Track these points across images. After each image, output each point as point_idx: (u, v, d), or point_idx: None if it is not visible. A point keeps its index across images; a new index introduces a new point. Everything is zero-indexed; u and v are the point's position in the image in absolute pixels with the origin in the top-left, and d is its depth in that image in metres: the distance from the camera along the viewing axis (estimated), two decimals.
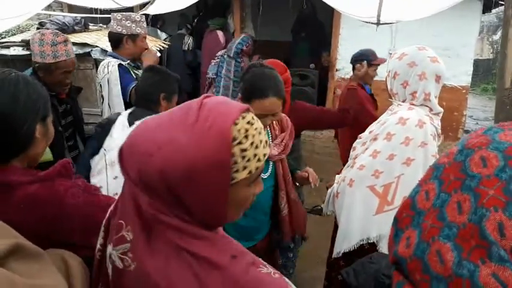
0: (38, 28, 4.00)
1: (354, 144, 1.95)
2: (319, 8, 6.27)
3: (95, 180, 1.79)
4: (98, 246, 0.81)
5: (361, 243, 1.71)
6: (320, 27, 6.65)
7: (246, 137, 0.70)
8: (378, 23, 3.35)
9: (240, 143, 0.69)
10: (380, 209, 1.65)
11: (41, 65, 2.15)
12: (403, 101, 1.75)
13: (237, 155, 0.69)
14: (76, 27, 4.27)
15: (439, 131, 1.74)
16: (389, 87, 1.81)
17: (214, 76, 4.57)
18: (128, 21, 2.51)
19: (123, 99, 2.43)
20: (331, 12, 5.58)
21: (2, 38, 4.83)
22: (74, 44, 4.19)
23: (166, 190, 0.67)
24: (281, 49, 6.70)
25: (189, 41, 5.93)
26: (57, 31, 2.30)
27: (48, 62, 2.14)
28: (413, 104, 1.72)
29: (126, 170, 0.70)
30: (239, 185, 0.72)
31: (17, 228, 0.74)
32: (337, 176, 1.98)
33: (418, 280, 0.50)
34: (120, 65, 2.45)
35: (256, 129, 0.73)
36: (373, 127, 1.87)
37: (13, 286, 0.55)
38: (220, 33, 5.57)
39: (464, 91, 5.82)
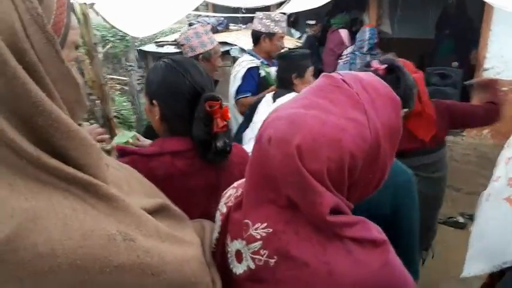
0: (188, 28, 4.47)
1: (505, 145, 1.71)
2: (469, 1, 5.66)
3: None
4: (213, 240, 0.85)
5: (504, 266, 1.48)
6: (468, 24, 6.00)
7: None
8: None
9: None
10: None
11: (204, 54, 2.42)
12: None
13: None
14: (219, 28, 4.64)
15: None
16: None
17: None
18: (268, 20, 2.65)
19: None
20: (481, 6, 4.98)
21: (157, 38, 5.53)
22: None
23: (349, 177, 0.66)
24: (419, 47, 6.24)
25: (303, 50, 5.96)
26: (203, 23, 2.58)
27: (208, 49, 2.42)
28: None
29: (306, 166, 0.64)
30: None
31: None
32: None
33: None
34: (249, 69, 2.60)
35: None
36: None
37: (157, 230, 0.64)
38: (343, 33, 5.45)
39: None
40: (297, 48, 4.58)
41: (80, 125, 0.63)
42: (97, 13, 3.02)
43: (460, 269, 2.56)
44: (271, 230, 0.71)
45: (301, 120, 0.66)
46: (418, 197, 1.60)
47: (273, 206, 0.72)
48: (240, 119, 2.61)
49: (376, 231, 0.69)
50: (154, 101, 1.17)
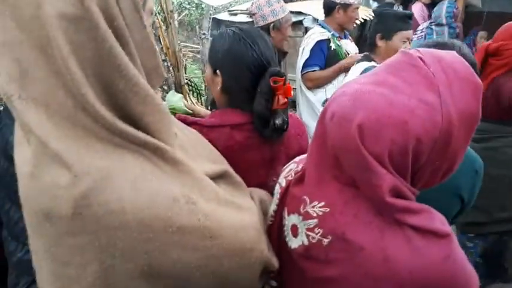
0: None
1: None
2: None
3: None
4: (271, 212, 0.85)
5: None
6: None
7: None
8: None
9: None
10: None
11: (276, 22, 2.40)
12: None
13: None
14: None
15: None
16: None
17: None
18: None
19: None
20: None
21: (232, 6, 5.55)
22: (290, 12, 4.50)
23: (413, 162, 0.63)
24: None
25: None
26: None
27: (280, 17, 2.39)
28: None
29: (367, 146, 0.62)
30: None
31: None
32: None
33: None
34: (319, 42, 2.49)
35: None
36: None
37: (217, 195, 0.67)
38: (422, 5, 5.01)
39: None
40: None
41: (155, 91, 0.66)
42: None
43: None
44: (328, 209, 0.70)
45: (367, 97, 0.63)
46: None
47: (335, 183, 0.71)
48: (307, 93, 2.57)
49: (439, 222, 0.66)
50: (217, 71, 1.16)
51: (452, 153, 0.64)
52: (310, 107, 2.57)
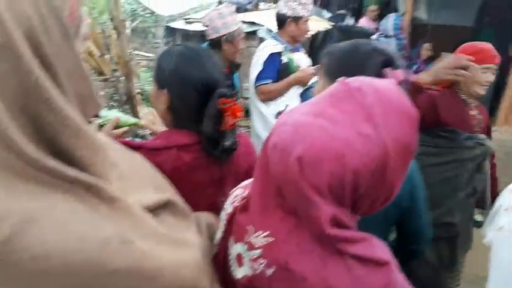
0: (217, 6, 4.43)
1: None
2: None
3: None
4: (217, 240, 0.84)
5: None
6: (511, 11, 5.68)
7: None
8: None
9: None
10: None
11: (228, 36, 2.40)
12: None
13: None
14: (248, 6, 4.57)
15: None
16: None
17: None
18: (294, 3, 2.55)
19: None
20: None
21: (188, 14, 5.50)
22: (243, 22, 4.52)
23: (352, 193, 0.64)
24: (457, 35, 5.97)
25: (351, 21, 5.78)
26: (228, 4, 2.53)
27: (232, 30, 2.39)
28: None
29: (306, 179, 0.62)
30: None
31: None
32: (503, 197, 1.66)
33: None
34: (272, 55, 2.49)
35: None
36: None
37: (156, 232, 0.63)
38: (369, 19, 5.28)
39: None
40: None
41: (89, 122, 0.63)
42: None
43: (472, 269, 2.50)
44: (272, 239, 0.70)
45: (306, 129, 0.63)
46: None
47: (279, 211, 0.71)
48: (260, 105, 2.57)
49: (379, 251, 0.67)
50: (164, 90, 1.13)
51: (389, 182, 0.65)
52: (262, 119, 2.58)
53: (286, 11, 2.55)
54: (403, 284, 0.67)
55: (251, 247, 0.72)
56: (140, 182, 0.74)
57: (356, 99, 0.64)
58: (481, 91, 1.93)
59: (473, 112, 2.01)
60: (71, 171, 0.54)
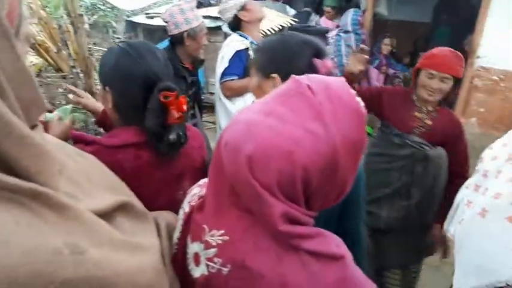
0: (178, 0, 4.35)
1: (482, 155, 1.68)
2: None
3: None
4: (175, 239, 0.83)
5: (499, 285, 1.47)
6: (467, 10, 5.92)
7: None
8: None
9: None
10: None
11: (190, 31, 2.34)
12: None
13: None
14: (212, 1, 4.52)
15: None
16: None
17: (333, 57, 4.48)
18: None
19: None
20: None
21: (150, 8, 5.38)
22: (208, 17, 4.47)
23: (303, 190, 0.64)
24: (414, 30, 6.18)
25: (316, 18, 5.84)
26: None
27: (194, 26, 2.35)
28: None
29: (256, 177, 0.63)
30: None
31: None
32: (462, 193, 1.73)
33: None
34: (238, 52, 2.46)
35: None
36: (507, 140, 1.57)
37: (111, 238, 0.61)
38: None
39: None
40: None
41: (35, 126, 0.60)
42: None
43: (435, 256, 2.59)
44: (228, 237, 0.70)
45: (256, 128, 0.64)
46: None
47: (234, 210, 0.71)
48: (226, 101, 2.55)
49: (334, 245, 0.68)
50: (107, 87, 1.11)
51: (341, 179, 0.66)
52: (228, 115, 2.57)
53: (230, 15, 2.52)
54: (359, 277, 0.68)
55: (207, 246, 0.72)
56: (93, 185, 0.72)
57: (306, 97, 0.65)
58: (426, 96, 1.93)
59: (419, 115, 2.01)
60: (13, 180, 0.51)
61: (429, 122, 1.99)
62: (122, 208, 0.73)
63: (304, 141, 0.61)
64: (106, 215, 0.66)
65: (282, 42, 1.22)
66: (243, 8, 2.50)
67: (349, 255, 0.69)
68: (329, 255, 0.66)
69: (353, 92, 0.68)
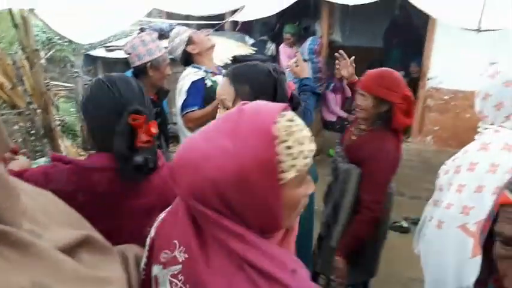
0: (138, 33, 4.36)
1: (439, 171, 1.77)
2: (414, 13, 5.94)
3: None
4: (142, 265, 0.84)
5: None
6: (415, 34, 6.30)
7: (289, 134, 0.70)
8: (479, 30, 3.05)
9: (284, 140, 0.69)
10: (476, 251, 1.42)
11: (153, 62, 2.35)
12: (492, 124, 1.54)
13: (282, 153, 0.69)
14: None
15: None
16: (478, 109, 1.59)
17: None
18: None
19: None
20: (426, 17, 5.26)
21: (109, 42, 5.35)
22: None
23: (220, 200, 0.68)
24: (368, 55, 6.48)
25: (271, 46, 6.04)
26: (149, 31, 2.50)
27: (156, 57, 2.36)
28: (501, 127, 1.49)
29: (178, 185, 0.71)
30: (289, 185, 0.70)
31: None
32: (425, 210, 1.81)
33: None
34: (194, 82, 2.47)
35: (297, 125, 0.73)
36: (457, 155, 1.66)
37: (76, 273, 0.60)
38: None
39: None
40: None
41: None
42: (38, 18, 2.85)
43: (403, 273, 2.65)
44: (187, 255, 0.72)
45: (186, 144, 0.73)
46: None
47: (191, 227, 0.74)
48: (188, 134, 2.54)
49: (285, 264, 0.69)
50: (83, 117, 1.19)
51: (259, 196, 0.68)
52: None
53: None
54: None
55: (174, 262, 0.74)
56: (53, 222, 0.70)
57: (232, 119, 0.71)
58: (356, 112, 2.02)
59: (353, 130, 2.10)
60: None
61: (354, 138, 2.07)
62: (85, 242, 0.71)
63: (213, 157, 0.67)
64: (69, 251, 0.64)
65: (261, 71, 1.39)
66: (189, 42, 2.53)
67: (302, 270, 0.71)
68: (275, 277, 0.67)
69: (275, 117, 0.70)
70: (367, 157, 1.91)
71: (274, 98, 1.40)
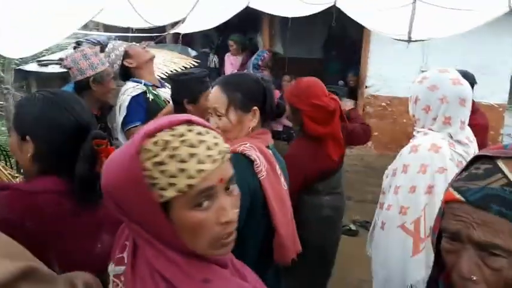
0: (74, 47, 4.16)
1: (384, 175, 1.86)
2: (350, 25, 6.24)
3: None
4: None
5: None
6: (351, 45, 6.62)
7: (165, 149, 0.66)
8: (409, 40, 3.26)
9: (155, 155, 0.66)
10: (416, 249, 1.52)
11: (96, 76, 2.25)
12: (423, 127, 1.66)
13: (152, 169, 0.66)
14: None
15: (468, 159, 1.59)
16: (411, 112, 1.72)
17: None
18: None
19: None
20: (361, 28, 5.54)
21: (43, 56, 5.06)
22: None
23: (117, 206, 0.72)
24: (311, 66, 6.70)
25: (214, 58, 6.06)
26: (90, 45, 2.40)
27: (100, 71, 2.26)
28: (430, 129, 1.62)
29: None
30: (176, 206, 0.67)
31: None
32: (375, 214, 1.88)
33: None
34: (134, 97, 2.40)
35: (184, 141, 0.66)
36: (396, 158, 1.75)
37: None
38: (233, 57, 5.70)
39: (501, 109, 5.60)
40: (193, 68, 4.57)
41: None
42: None
43: (354, 275, 2.72)
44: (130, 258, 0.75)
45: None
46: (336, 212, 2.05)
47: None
48: None
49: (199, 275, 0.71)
50: (27, 137, 1.08)
51: (138, 208, 0.69)
52: None
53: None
54: None
55: (120, 262, 0.76)
56: None
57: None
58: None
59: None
60: None
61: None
62: (26, 275, 0.65)
63: (106, 168, 0.73)
64: (8, 286, 0.59)
65: (251, 79, 1.48)
66: (126, 56, 2.47)
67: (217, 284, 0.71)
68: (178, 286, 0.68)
69: (150, 130, 0.70)
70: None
71: (264, 104, 1.47)
